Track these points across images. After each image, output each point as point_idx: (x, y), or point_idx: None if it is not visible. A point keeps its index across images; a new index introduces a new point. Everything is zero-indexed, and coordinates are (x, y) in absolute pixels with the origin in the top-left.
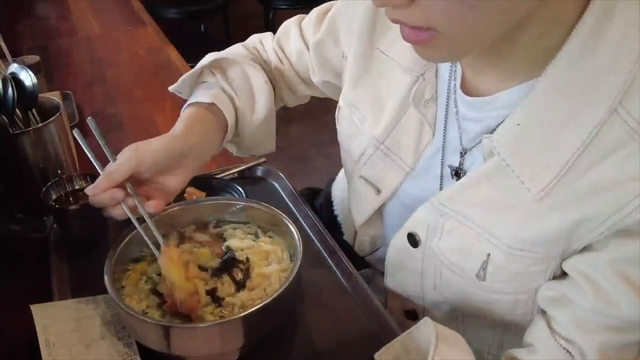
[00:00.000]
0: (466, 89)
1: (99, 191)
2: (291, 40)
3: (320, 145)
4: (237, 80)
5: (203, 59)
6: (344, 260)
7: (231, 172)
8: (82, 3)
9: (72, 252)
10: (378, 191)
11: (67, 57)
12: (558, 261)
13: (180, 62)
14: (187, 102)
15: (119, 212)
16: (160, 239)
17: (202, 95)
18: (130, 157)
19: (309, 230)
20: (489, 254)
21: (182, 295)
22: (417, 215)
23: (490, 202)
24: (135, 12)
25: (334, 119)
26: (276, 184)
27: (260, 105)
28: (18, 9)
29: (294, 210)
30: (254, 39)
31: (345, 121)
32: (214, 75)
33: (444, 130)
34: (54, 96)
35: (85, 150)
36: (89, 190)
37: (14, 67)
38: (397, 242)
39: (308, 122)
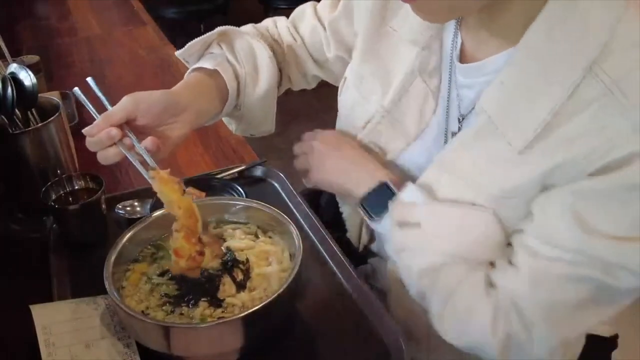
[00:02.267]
0: (464, 59)
1: (97, 131)
2: (305, 19)
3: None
4: (242, 53)
5: (213, 31)
6: (344, 261)
7: (231, 172)
8: (82, 3)
9: (72, 252)
10: (384, 154)
11: (67, 57)
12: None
13: (180, 62)
14: (192, 67)
15: (114, 152)
16: (151, 168)
17: (206, 62)
18: (128, 102)
19: (309, 230)
20: (473, 204)
21: (179, 212)
22: (424, 177)
23: (479, 157)
24: (135, 12)
25: (334, 119)
26: (276, 184)
27: (262, 79)
28: (18, 9)
29: (294, 210)
30: (267, 21)
31: (351, 91)
32: (221, 47)
33: (448, 99)
34: (54, 96)
35: (87, 107)
36: (86, 130)
37: (13, 67)
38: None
39: (308, 122)
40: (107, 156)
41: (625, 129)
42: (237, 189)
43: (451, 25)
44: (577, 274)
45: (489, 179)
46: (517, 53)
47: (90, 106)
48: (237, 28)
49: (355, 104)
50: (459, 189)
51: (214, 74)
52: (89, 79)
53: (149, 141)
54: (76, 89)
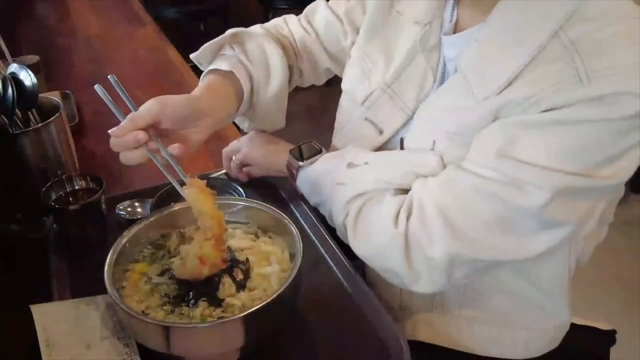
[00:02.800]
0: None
1: (123, 132)
2: (319, 13)
3: (320, 145)
4: (254, 53)
5: (225, 33)
6: (343, 260)
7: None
8: (82, 3)
9: (71, 252)
10: (380, 132)
11: (67, 57)
12: None
13: (180, 62)
14: (207, 69)
15: (139, 155)
16: (182, 175)
17: (221, 64)
18: (154, 105)
19: (309, 230)
20: (434, 141)
21: (212, 222)
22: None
23: (448, 106)
24: (135, 12)
25: (334, 119)
26: (276, 184)
27: (274, 78)
28: (18, 9)
29: (294, 210)
30: (277, 19)
31: (354, 69)
32: (233, 49)
33: (443, 74)
34: (54, 96)
35: (109, 105)
36: (113, 131)
37: (13, 67)
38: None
39: (307, 122)
40: (130, 158)
41: (573, 81)
42: (237, 189)
43: (450, 4)
44: (489, 189)
45: (448, 120)
46: (491, 20)
47: (113, 104)
48: (247, 29)
49: (357, 80)
50: (421, 134)
51: (229, 75)
52: (110, 77)
53: (176, 147)
54: (98, 86)
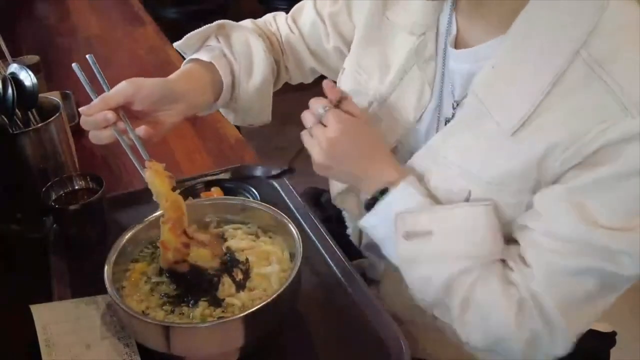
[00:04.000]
0: (459, 45)
1: (93, 111)
2: (304, 13)
3: None
4: (239, 47)
5: (212, 23)
6: (343, 260)
7: (230, 171)
8: (82, 3)
9: (71, 252)
10: None
11: (67, 57)
12: (530, 196)
13: (180, 62)
14: (188, 58)
15: (108, 134)
16: (146, 157)
17: (203, 55)
18: (127, 87)
19: (309, 230)
20: (470, 191)
21: (167, 205)
22: (411, 162)
23: (471, 143)
24: (135, 12)
25: None
26: (276, 184)
27: (257, 73)
28: (18, 9)
29: (294, 210)
30: (268, 15)
31: (349, 80)
32: (218, 40)
33: (442, 85)
34: (54, 96)
35: (84, 84)
36: (83, 109)
37: (13, 67)
38: None
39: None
40: (99, 137)
41: (614, 109)
42: (252, 190)
43: (446, 11)
44: (584, 266)
45: (480, 165)
46: (508, 40)
47: (88, 84)
48: (235, 22)
49: (353, 93)
50: (450, 179)
51: (209, 66)
52: (88, 57)
53: (142, 130)
54: (75, 64)
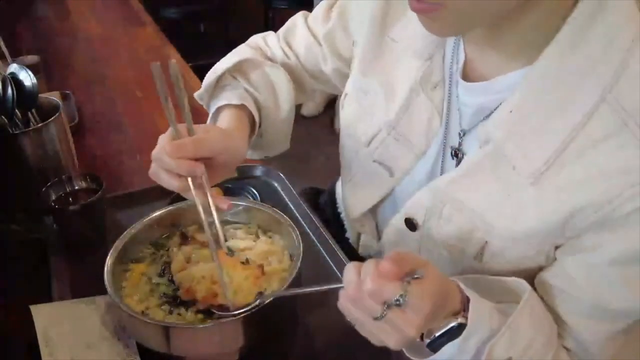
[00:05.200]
0: (467, 74)
1: (183, 156)
2: (298, 35)
3: (320, 145)
4: (259, 80)
5: (221, 63)
6: (344, 260)
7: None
8: (82, 3)
9: (71, 252)
10: (391, 174)
11: (67, 57)
12: (553, 250)
13: (180, 62)
14: (217, 105)
15: (181, 185)
16: (222, 237)
17: (232, 98)
18: (221, 142)
19: (309, 230)
20: (486, 242)
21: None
22: (415, 199)
23: (487, 191)
24: (135, 12)
25: (333, 119)
26: (276, 184)
27: (282, 102)
28: (18, 9)
29: (294, 210)
30: (255, 38)
31: (352, 106)
32: (235, 78)
33: (448, 112)
34: (54, 96)
35: (159, 90)
36: (173, 145)
37: (13, 67)
38: (396, 222)
39: (308, 122)
40: (168, 182)
41: None
42: (252, 190)
43: (451, 39)
44: (629, 329)
45: (497, 214)
46: (530, 76)
47: (164, 90)
48: (241, 55)
49: (359, 120)
50: (464, 225)
51: (242, 108)
52: (171, 63)
53: (223, 202)
54: (155, 63)
